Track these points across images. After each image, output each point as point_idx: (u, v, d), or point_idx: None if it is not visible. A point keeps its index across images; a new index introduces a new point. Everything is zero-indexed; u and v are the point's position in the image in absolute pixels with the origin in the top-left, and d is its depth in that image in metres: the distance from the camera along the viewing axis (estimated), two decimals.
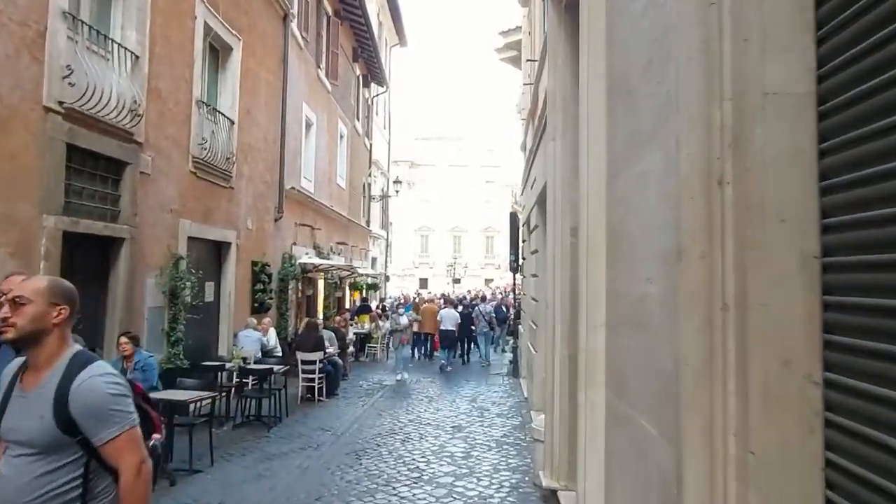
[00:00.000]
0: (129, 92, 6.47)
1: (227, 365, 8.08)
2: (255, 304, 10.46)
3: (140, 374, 5.43)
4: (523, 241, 11.83)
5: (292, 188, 12.24)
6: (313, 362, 9.23)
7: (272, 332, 10.14)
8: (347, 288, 19.19)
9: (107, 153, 6.37)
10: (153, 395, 5.20)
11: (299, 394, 9.37)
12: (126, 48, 6.63)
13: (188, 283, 7.67)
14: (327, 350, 9.87)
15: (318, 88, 15.00)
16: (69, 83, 5.71)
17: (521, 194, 12.12)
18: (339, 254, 17.92)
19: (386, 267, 29.18)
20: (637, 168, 2.29)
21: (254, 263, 10.46)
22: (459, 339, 14.36)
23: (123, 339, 5.58)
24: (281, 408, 8.12)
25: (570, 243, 4.32)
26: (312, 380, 9.29)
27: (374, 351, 15.14)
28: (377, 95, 24.65)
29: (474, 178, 60.25)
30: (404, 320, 11.37)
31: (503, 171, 60.42)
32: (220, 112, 9.05)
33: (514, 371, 11.97)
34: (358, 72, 20.36)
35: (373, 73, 22.25)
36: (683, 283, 1.64)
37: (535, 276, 8.45)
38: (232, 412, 7.81)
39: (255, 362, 8.72)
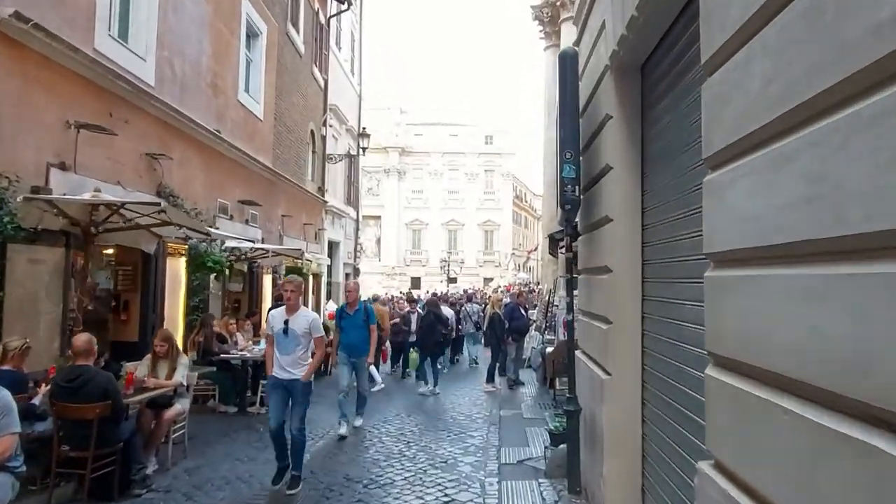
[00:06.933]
0: None
1: None
2: None
3: None
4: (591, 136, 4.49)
5: (13, 14, 4.96)
6: None
7: None
8: (269, 277, 11.79)
9: None
10: None
11: None
12: None
13: None
14: None
15: None
16: None
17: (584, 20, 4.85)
18: (249, 222, 10.71)
19: (355, 256, 21.73)
20: None
21: None
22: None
23: None
24: None
25: None
26: None
27: None
28: (337, 14, 17.53)
29: (472, 168, 53.27)
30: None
31: (504, 160, 53.39)
32: None
33: (571, 469, 4.69)
34: None
35: None
36: None
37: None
38: None
39: None
